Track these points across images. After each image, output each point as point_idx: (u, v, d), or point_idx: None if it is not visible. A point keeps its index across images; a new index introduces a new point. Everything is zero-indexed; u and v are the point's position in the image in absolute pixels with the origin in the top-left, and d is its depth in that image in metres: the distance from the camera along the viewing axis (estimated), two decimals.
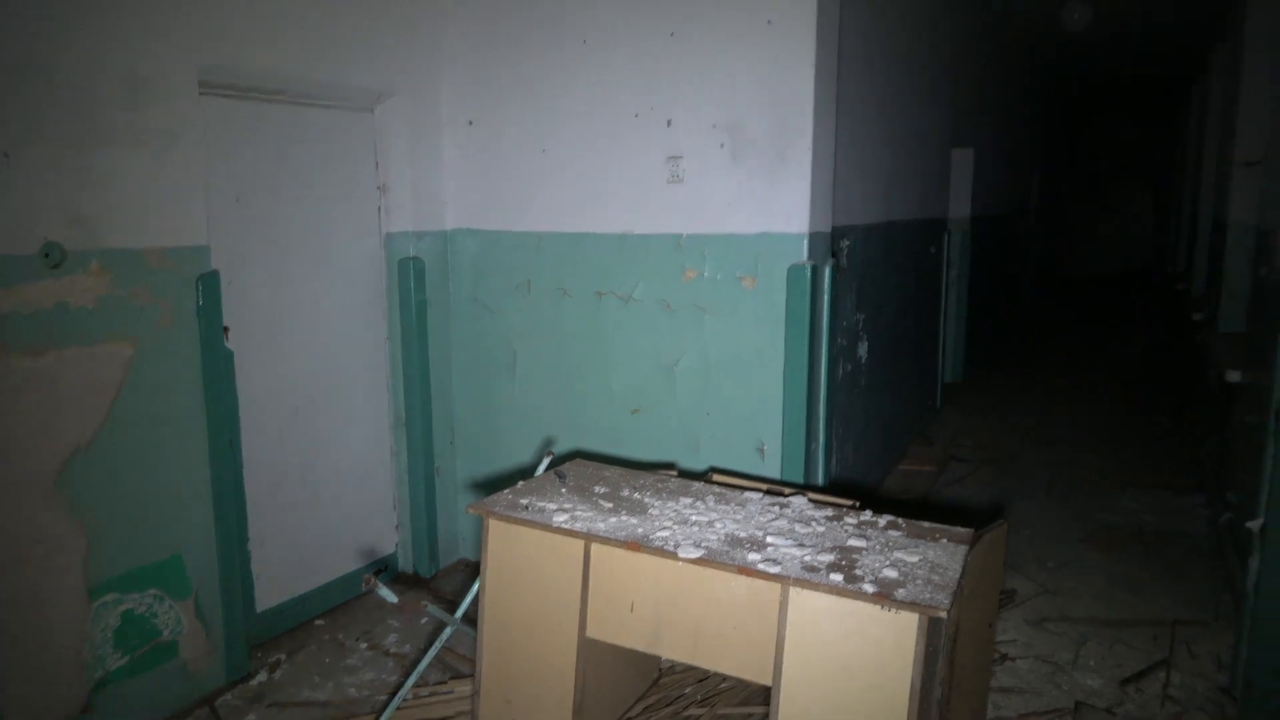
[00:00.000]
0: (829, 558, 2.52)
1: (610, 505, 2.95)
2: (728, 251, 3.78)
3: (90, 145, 2.84)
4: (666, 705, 3.26)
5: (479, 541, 3.05)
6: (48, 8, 2.70)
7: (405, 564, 4.42)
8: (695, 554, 2.54)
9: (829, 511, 2.93)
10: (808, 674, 2.40)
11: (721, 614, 2.55)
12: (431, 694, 3.35)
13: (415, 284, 4.14)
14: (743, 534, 2.70)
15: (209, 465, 3.28)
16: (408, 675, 3.41)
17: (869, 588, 2.32)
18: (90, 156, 2.85)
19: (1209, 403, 5.96)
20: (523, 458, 4.34)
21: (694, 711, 3.20)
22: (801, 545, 2.61)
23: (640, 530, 2.72)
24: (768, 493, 3.15)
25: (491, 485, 4.33)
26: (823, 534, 2.72)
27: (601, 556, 2.73)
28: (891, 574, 2.41)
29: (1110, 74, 11.80)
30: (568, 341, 4.17)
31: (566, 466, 3.40)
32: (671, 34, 3.76)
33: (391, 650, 3.72)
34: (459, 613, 3.29)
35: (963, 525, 2.82)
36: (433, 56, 4.14)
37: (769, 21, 3.58)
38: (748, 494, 3.09)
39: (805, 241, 3.65)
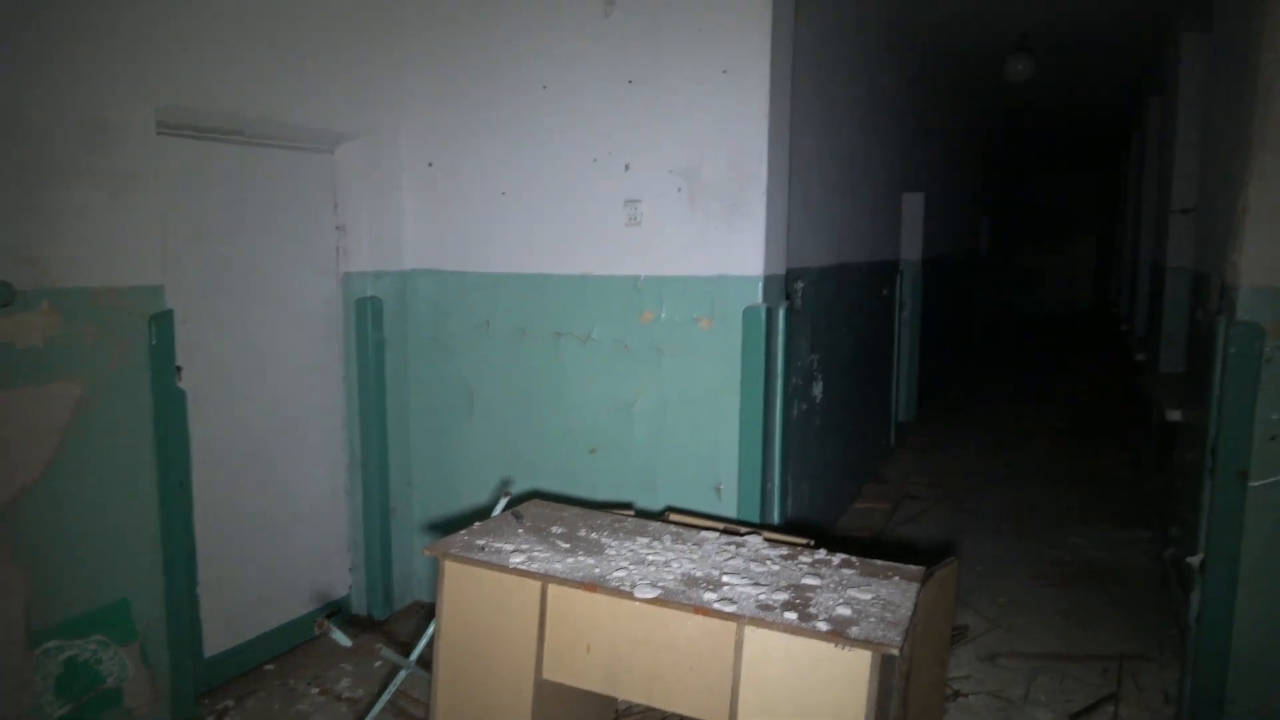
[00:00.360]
0: (784, 596, 2.55)
1: (567, 545, 2.96)
2: (685, 293, 3.84)
3: (44, 184, 2.83)
4: None
5: (435, 583, 3.03)
6: (2, 48, 2.69)
7: (359, 606, 4.36)
8: (652, 594, 2.55)
9: (784, 550, 2.96)
10: (763, 713, 2.41)
11: (678, 654, 2.56)
12: None
13: (373, 324, 4.14)
14: (699, 573, 2.72)
15: (158, 507, 3.23)
16: None
17: (823, 626, 2.35)
18: (44, 195, 2.83)
19: (1152, 441, 6.13)
20: (480, 498, 4.32)
21: None
22: (757, 584, 2.64)
23: (597, 570, 2.73)
24: (724, 532, 3.17)
25: (448, 526, 4.30)
26: (778, 573, 2.75)
27: (558, 597, 2.73)
28: (845, 612, 2.44)
29: (1054, 122, 12.22)
30: (526, 382, 4.19)
31: (524, 507, 3.40)
32: (630, 81, 3.85)
33: (344, 695, 3.65)
34: (414, 655, 3.25)
35: (916, 563, 2.87)
36: (393, 99, 4.19)
37: (724, 71, 3.69)
38: (704, 533, 3.12)
39: (760, 284, 3.73)
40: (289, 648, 4.00)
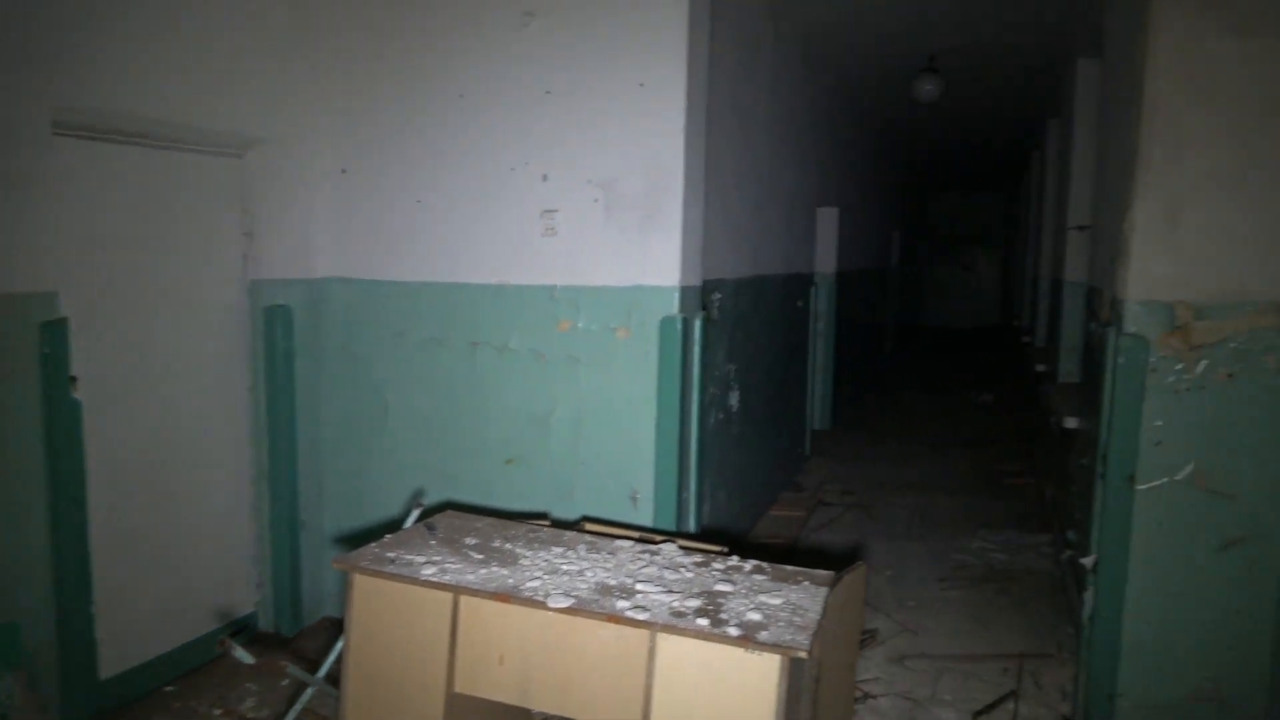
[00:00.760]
0: (696, 603, 2.58)
1: (481, 556, 2.94)
2: (601, 303, 3.86)
3: None
4: None
5: (345, 598, 2.96)
6: None
7: (266, 623, 4.23)
8: (565, 603, 2.55)
9: (698, 558, 2.99)
10: (675, 718, 2.43)
11: (591, 663, 2.56)
12: None
13: (282, 333, 4.04)
14: (613, 582, 2.73)
15: (49, 524, 3.08)
16: None
17: (733, 631, 2.38)
18: None
19: (1052, 448, 6.39)
20: (394, 511, 4.25)
21: None
22: (670, 591, 2.66)
23: (510, 581, 2.72)
24: (639, 540, 3.19)
25: (360, 539, 4.21)
26: (691, 580, 2.78)
27: (471, 609, 2.70)
28: (755, 617, 2.48)
29: (961, 142, 12.68)
30: (442, 392, 4.14)
31: (437, 518, 3.36)
32: (548, 92, 3.86)
33: (249, 715, 3.54)
34: (321, 672, 3.18)
35: (828, 568, 2.93)
36: (306, 104, 4.10)
37: (641, 84, 3.73)
38: (619, 542, 3.13)
39: (677, 294, 3.77)
40: (192, 668, 3.86)
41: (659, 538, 3.23)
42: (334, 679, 3.13)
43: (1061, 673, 3.99)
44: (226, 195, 3.95)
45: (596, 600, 2.58)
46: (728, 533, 5.00)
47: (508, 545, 3.05)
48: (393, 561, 2.86)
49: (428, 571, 2.77)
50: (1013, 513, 6.43)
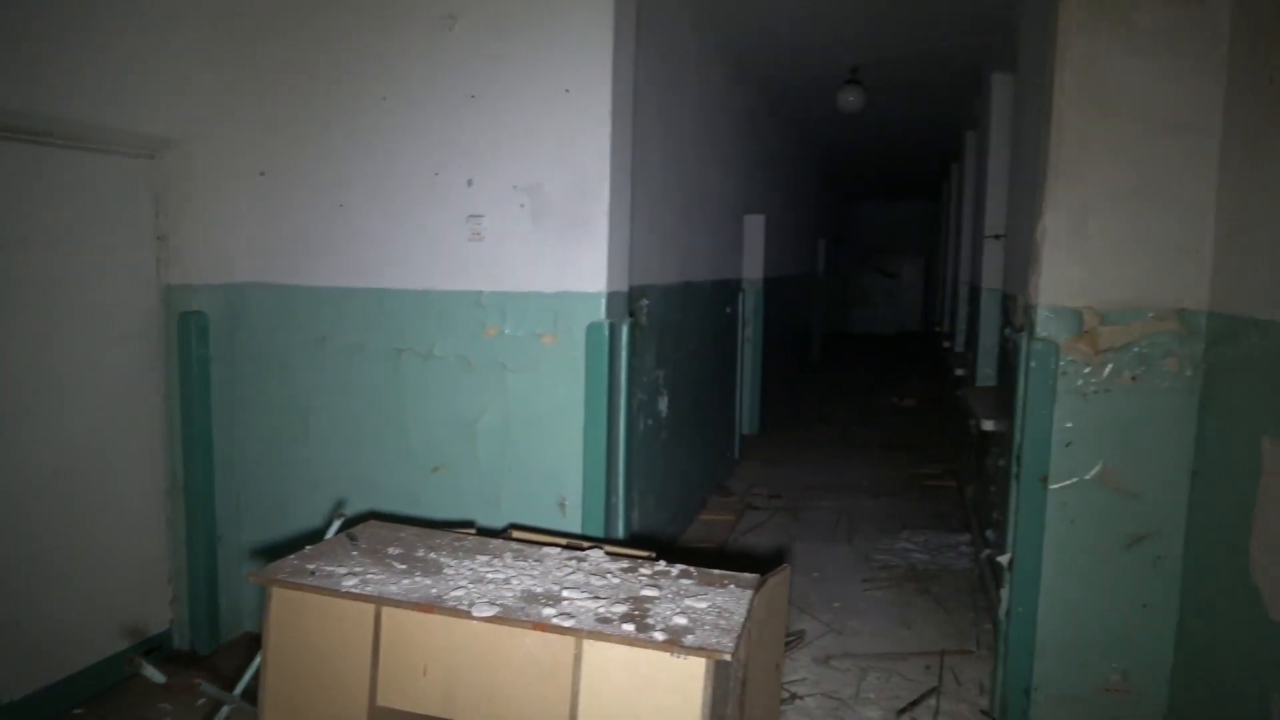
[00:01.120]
0: (623, 609, 2.58)
1: (404, 567, 2.89)
2: (528, 309, 3.84)
3: None
4: None
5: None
6: None
7: (181, 641, 4.08)
8: (490, 612, 2.52)
9: (625, 564, 2.99)
10: None
11: (517, 672, 2.54)
12: None
13: (197, 340, 3.91)
14: (539, 589, 2.71)
15: None
16: None
17: (659, 636, 2.39)
18: None
19: (971, 451, 6.57)
20: (316, 522, 4.15)
21: None
22: (596, 598, 2.66)
23: (434, 591, 2.68)
24: (567, 547, 3.18)
25: (280, 551, 4.09)
26: (618, 586, 2.77)
27: (393, 620, 2.65)
28: (681, 621, 2.49)
29: (884, 152, 12.99)
30: (365, 400, 4.06)
31: (359, 528, 3.29)
32: (472, 96, 3.83)
33: None
34: (238, 689, 3.08)
35: (756, 571, 2.96)
36: (223, 105, 3.98)
37: (566, 90, 3.72)
38: (546, 549, 3.11)
39: (603, 300, 3.77)
40: (101, 690, 3.70)
41: (586, 544, 3.22)
42: (251, 696, 3.04)
43: (980, 668, 4.10)
44: (139, 197, 3.81)
45: (522, 608, 2.56)
46: (657, 538, 5.01)
47: (432, 555, 3.01)
48: (312, 574, 2.79)
49: (349, 583, 2.72)
50: (934, 513, 6.59)
